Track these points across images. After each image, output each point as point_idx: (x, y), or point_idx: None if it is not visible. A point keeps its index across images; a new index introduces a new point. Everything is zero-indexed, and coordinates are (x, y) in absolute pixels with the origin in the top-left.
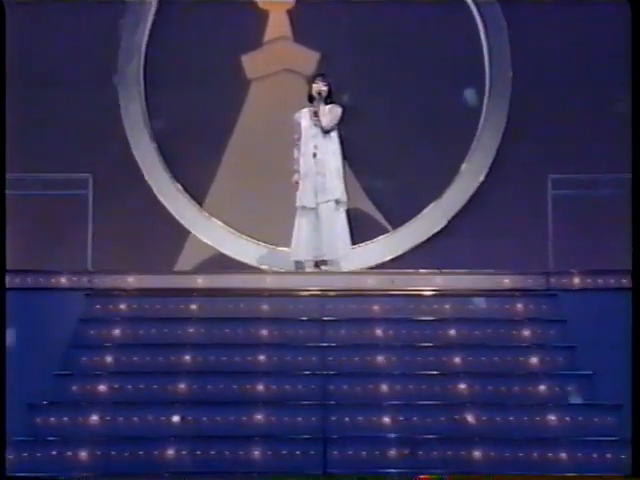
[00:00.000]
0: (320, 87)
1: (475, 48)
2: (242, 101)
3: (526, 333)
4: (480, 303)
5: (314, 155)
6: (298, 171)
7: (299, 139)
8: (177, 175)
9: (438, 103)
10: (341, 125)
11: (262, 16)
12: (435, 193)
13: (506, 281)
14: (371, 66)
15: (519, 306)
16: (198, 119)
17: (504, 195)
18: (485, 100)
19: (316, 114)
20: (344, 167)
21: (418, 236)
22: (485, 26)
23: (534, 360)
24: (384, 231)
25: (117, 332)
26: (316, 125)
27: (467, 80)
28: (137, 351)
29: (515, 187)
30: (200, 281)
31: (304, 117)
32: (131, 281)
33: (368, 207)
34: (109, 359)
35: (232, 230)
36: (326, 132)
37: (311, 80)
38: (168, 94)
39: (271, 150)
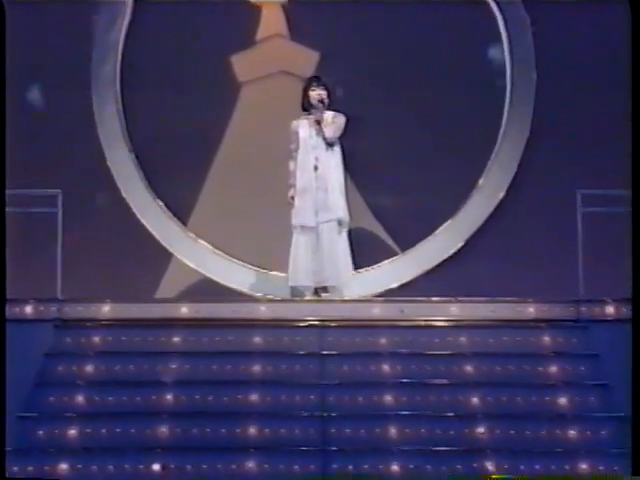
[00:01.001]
0: (320, 94)
1: (495, 49)
2: (232, 107)
3: (553, 369)
4: (501, 335)
5: (315, 168)
6: (294, 186)
7: (296, 150)
8: (158, 190)
9: (453, 110)
10: (343, 135)
11: (254, 11)
12: (449, 211)
13: (530, 310)
14: (377, 69)
15: (545, 339)
16: (182, 127)
17: (527, 213)
18: (506, 106)
19: (319, 123)
20: (346, 182)
21: (430, 260)
22: (506, 25)
23: (563, 400)
24: (392, 254)
25: (89, 368)
26: (318, 135)
27: (486, 85)
28: (112, 390)
29: (540, 204)
30: (184, 310)
31: (303, 126)
32: (106, 310)
33: (374, 227)
34: (80, 399)
35: (221, 253)
36: (330, 144)
37: (306, 86)
38: (148, 99)
39: (264, 162)
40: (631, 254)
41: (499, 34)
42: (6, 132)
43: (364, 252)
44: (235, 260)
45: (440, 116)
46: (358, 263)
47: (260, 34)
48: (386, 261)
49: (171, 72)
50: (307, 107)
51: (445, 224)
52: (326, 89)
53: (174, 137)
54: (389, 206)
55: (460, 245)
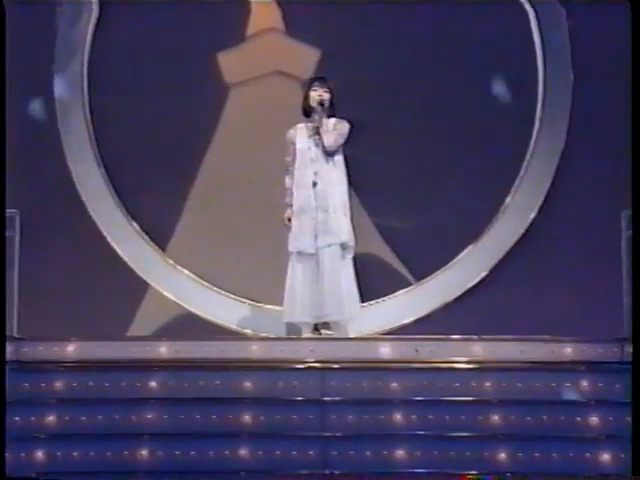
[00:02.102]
0: (322, 95)
1: (524, 47)
2: (219, 113)
3: (594, 420)
4: (532, 380)
5: (314, 185)
6: (291, 205)
7: (293, 163)
8: (132, 210)
9: (475, 118)
10: (348, 146)
11: (244, 3)
12: (471, 234)
13: (567, 350)
14: (389, 70)
15: (584, 384)
16: (161, 137)
17: (562, 237)
18: (537, 113)
19: (317, 131)
20: (351, 200)
21: (449, 291)
22: (538, 19)
23: (605, 457)
24: (405, 284)
25: (51, 419)
26: (317, 145)
27: (514, 89)
28: (78, 443)
29: (577, 226)
30: (162, 350)
31: (300, 135)
32: (71, 350)
33: (383, 253)
34: (40, 455)
35: (205, 283)
36: (330, 155)
37: (307, 87)
38: (120, 105)
39: (256, 178)
40: None
41: (529, 30)
42: None
43: (372, 282)
44: (222, 291)
45: (460, 125)
46: (365, 295)
47: (251, 29)
48: (398, 292)
49: (148, 73)
50: (307, 111)
51: (467, 250)
52: (329, 91)
53: (151, 148)
54: (401, 228)
55: (484, 274)
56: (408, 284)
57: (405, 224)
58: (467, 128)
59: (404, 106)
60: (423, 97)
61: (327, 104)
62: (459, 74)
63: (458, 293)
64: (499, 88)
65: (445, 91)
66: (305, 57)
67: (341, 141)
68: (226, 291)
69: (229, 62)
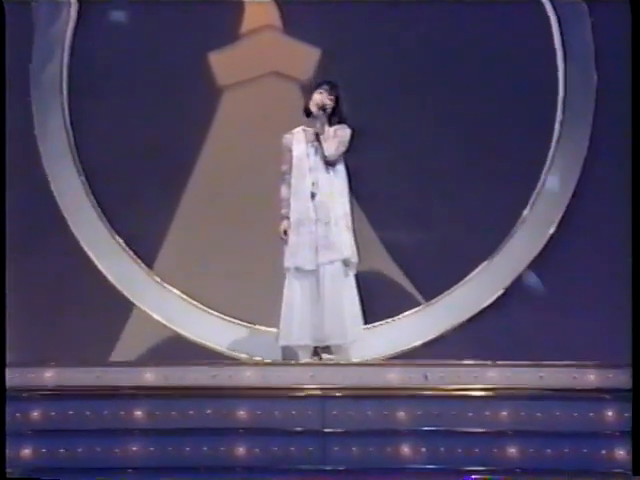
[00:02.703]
0: (324, 99)
1: (542, 44)
2: (210, 118)
3: (620, 453)
4: (552, 409)
5: (312, 196)
6: (288, 217)
7: (289, 172)
8: (116, 223)
9: (488, 123)
10: (350, 153)
11: None
12: (485, 250)
13: (590, 377)
14: (396, 71)
15: (609, 414)
16: (147, 144)
17: (584, 253)
18: (557, 117)
19: (317, 137)
20: (353, 212)
21: (461, 311)
22: (557, 14)
23: None
24: (413, 304)
25: (28, 451)
26: (316, 152)
27: (531, 90)
28: (57, 478)
29: (600, 242)
30: (149, 376)
31: (298, 141)
32: (49, 377)
33: (390, 269)
34: None
35: (195, 302)
36: (330, 163)
37: (311, 89)
38: (103, 109)
39: (250, 188)
40: None
41: (548, 27)
42: None
43: (377, 302)
44: (213, 312)
45: (473, 131)
46: (369, 316)
47: (246, 26)
48: (405, 313)
49: (133, 76)
50: (308, 114)
51: (480, 266)
52: (334, 98)
53: (136, 156)
54: (409, 243)
55: (499, 293)
56: (416, 304)
57: (413, 238)
58: (481, 134)
59: (412, 110)
60: (433, 101)
61: (329, 110)
62: (472, 76)
63: (471, 314)
64: (516, 91)
65: (457, 94)
66: (304, 57)
67: (343, 149)
68: (218, 312)
69: (221, 62)
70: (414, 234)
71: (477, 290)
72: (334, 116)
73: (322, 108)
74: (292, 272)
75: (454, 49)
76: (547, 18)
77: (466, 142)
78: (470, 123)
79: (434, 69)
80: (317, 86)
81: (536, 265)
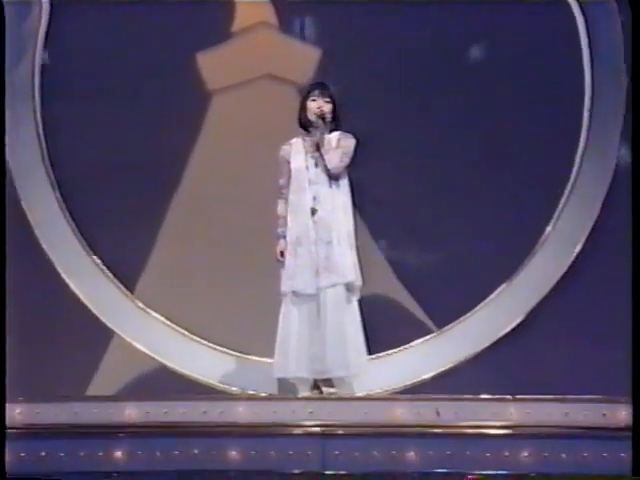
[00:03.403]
0: (322, 107)
1: (568, 44)
2: (197, 126)
3: None
4: (579, 449)
5: (312, 212)
6: (284, 237)
7: (287, 186)
8: (93, 242)
9: (506, 131)
10: (353, 164)
11: None
12: (504, 272)
13: (622, 413)
14: (403, 72)
15: None
16: (127, 155)
17: (614, 274)
18: (584, 124)
19: (317, 148)
20: (357, 230)
21: (477, 340)
22: (583, 12)
23: None
24: (423, 332)
25: None
26: (316, 164)
27: (556, 94)
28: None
29: (633, 261)
30: (130, 412)
31: (296, 152)
32: (17, 414)
33: (397, 293)
34: None
35: (181, 330)
36: (333, 177)
37: (304, 95)
38: (79, 115)
39: (242, 204)
40: None
41: (574, 27)
42: None
43: (383, 329)
44: (202, 341)
45: (490, 139)
46: (375, 345)
47: (238, 24)
48: (415, 342)
49: (113, 80)
50: (305, 124)
51: (498, 290)
52: (331, 100)
53: (115, 169)
54: (418, 264)
55: (519, 319)
56: (427, 332)
57: (423, 258)
58: (498, 143)
59: (422, 117)
60: (446, 107)
61: (328, 118)
62: (488, 81)
63: (488, 343)
64: (538, 97)
65: (473, 100)
66: (302, 58)
67: (347, 161)
68: (207, 340)
69: (210, 64)
70: (424, 254)
71: (495, 316)
72: (333, 121)
73: (322, 117)
74: (289, 297)
75: (470, 51)
76: (573, 17)
77: (483, 152)
78: (488, 131)
79: (449, 72)
80: (307, 93)
81: (561, 287)
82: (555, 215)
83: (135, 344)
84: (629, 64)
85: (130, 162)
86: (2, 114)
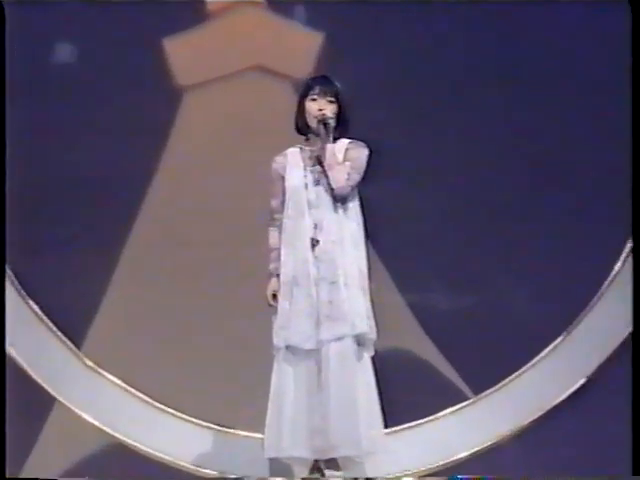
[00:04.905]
0: (324, 109)
1: (615, 49)
2: (166, 130)
3: None
4: None
5: (313, 244)
6: (277, 275)
7: (281, 210)
8: (31, 285)
9: (555, 148)
10: (365, 182)
11: None
12: (558, 322)
13: None
14: (433, 76)
15: None
16: (75, 173)
17: None
18: None
19: (319, 161)
20: (371, 267)
21: (525, 409)
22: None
23: None
24: (456, 398)
25: None
26: (318, 182)
27: (601, 106)
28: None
29: None
30: None
31: (292, 165)
32: None
33: (423, 349)
34: None
35: (143, 396)
36: (339, 199)
37: (302, 93)
38: (29, 119)
39: (220, 232)
40: None
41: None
42: None
43: (404, 395)
44: (171, 411)
45: (531, 159)
46: (393, 415)
47: (218, 4)
48: (445, 411)
49: (69, 78)
50: (303, 130)
51: (551, 345)
52: (336, 100)
53: (59, 189)
54: (450, 312)
55: (581, 382)
56: (462, 398)
57: (455, 305)
58: (543, 163)
59: (454, 130)
60: (479, 116)
61: (332, 123)
62: (536, 90)
63: (539, 413)
64: (587, 105)
65: (512, 109)
66: (299, 45)
67: (357, 178)
68: (174, 409)
69: (183, 54)
70: (457, 299)
71: (546, 379)
72: (338, 127)
73: (324, 122)
74: (283, 352)
75: (502, 53)
76: (622, 17)
77: (531, 175)
78: (527, 149)
79: (486, 79)
80: (305, 90)
81: (634, 342)
82: (623, 252)
83: (82, 415)
84: None
85: (77, 182)
86: (2, 114)
